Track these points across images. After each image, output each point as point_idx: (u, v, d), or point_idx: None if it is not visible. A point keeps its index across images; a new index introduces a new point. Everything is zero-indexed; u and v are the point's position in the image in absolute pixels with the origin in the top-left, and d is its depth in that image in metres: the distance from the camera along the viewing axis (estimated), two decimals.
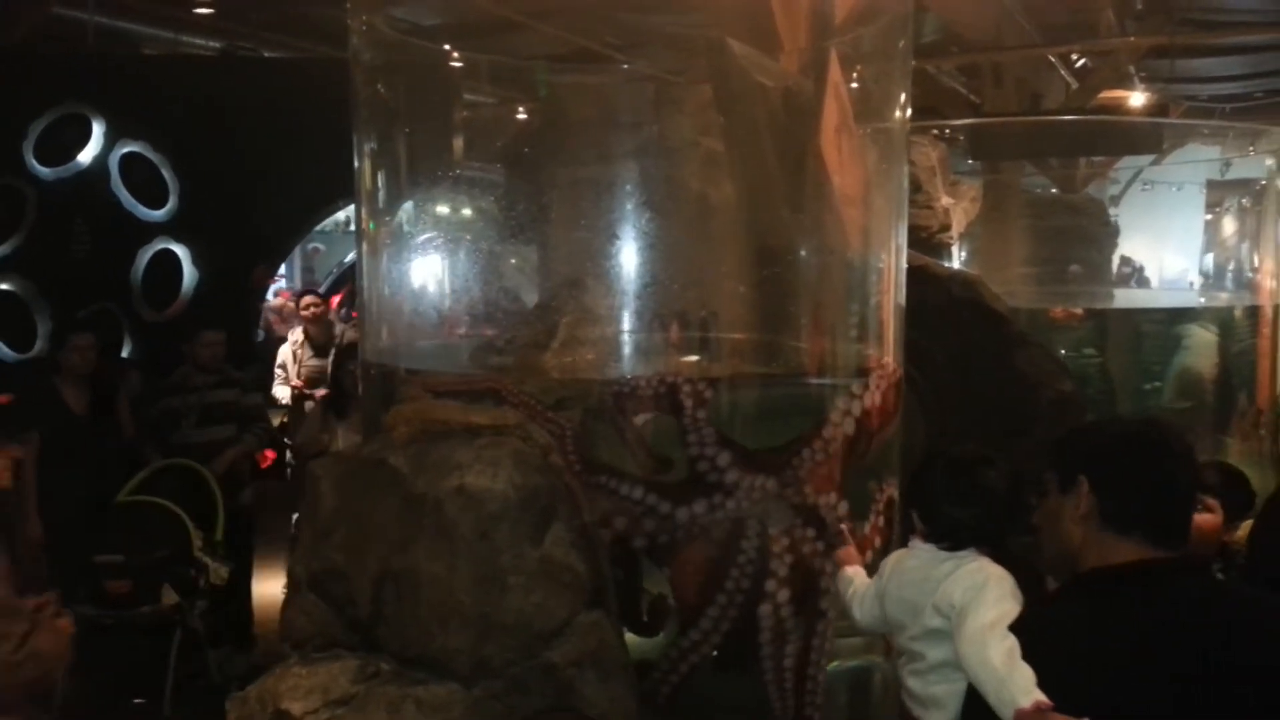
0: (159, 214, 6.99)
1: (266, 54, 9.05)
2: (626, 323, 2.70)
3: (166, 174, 6.98)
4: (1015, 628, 1.78)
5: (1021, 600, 1.91)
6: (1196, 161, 11.27)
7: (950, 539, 2.06)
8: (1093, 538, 1.75)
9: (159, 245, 7.00)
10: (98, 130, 6.85)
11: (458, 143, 3.47)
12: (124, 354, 6.78)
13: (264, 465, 6.65)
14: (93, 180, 6.84)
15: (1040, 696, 1.63)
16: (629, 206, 2.75)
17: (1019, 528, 2.16)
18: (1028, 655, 1.71)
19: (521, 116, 3.96)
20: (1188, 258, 11.54)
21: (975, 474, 2.07)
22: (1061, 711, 1.62)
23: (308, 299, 7.63)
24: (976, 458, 2.11)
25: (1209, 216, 11.98)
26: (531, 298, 3.25)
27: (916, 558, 2.12)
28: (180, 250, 7.05)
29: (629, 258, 2.72)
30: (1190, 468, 1.78)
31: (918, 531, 2.15)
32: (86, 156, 6.84)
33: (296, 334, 7.41)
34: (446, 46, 3.57)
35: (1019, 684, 1.65)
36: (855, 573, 2.41)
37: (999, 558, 2.08)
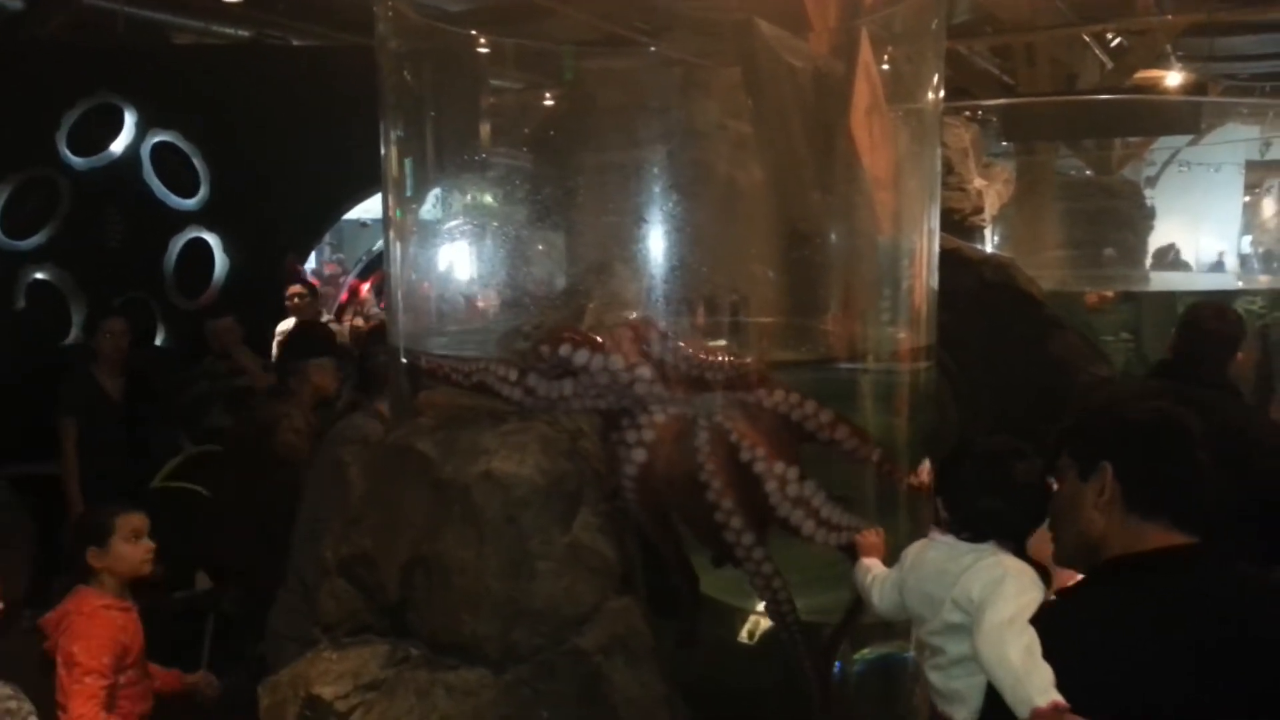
0: (190, 203, 7.05)
1: (295, 42, 9.09)
2: (655, 307, 2.67)
3: (198, 163, 7.04)
4: (1037, 617, 1.76)
5: (1044, 590, 1.88)
6: (1235, 141, 11.08)
7: (973, 530, 2.03)
8: (1116, 524, 1.73)
9: (191, 234, 7.06)
10: (129, 120, 6.91)
11: (484, 128, 3.45)
12: (157, 342, 6.85)
13: None
14: (125, 170, 6.91)
15: (1057, 697, 1.60)
16: (656, 190, 2.73)
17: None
18: (1052, 645, 1.68)
19: (548, 101, 3.93)
20: (1225, 240, 11.37)
21: (1006, 466, 2.03)
22: (1091, 701, 1.59)
23: (294, 288, 7.21)
24: (1008, 449, 2.07)
25: (1248, 198, 11.78)
26: (559, 283, 3.24)
27: (936, 550, 2.09)
28: (212, 239, 7.11)
29: (656, 242, 2.70)
30: (1213, 450, 1.74)
31: (940, 522, 2.12)
32: (119, 146, 6.91)
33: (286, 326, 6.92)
34: (473, 31, 3.55)
35: (1036, 683, 1.63)
36: (872, 564, 2.38)
37: (1019, 550, 2.04)
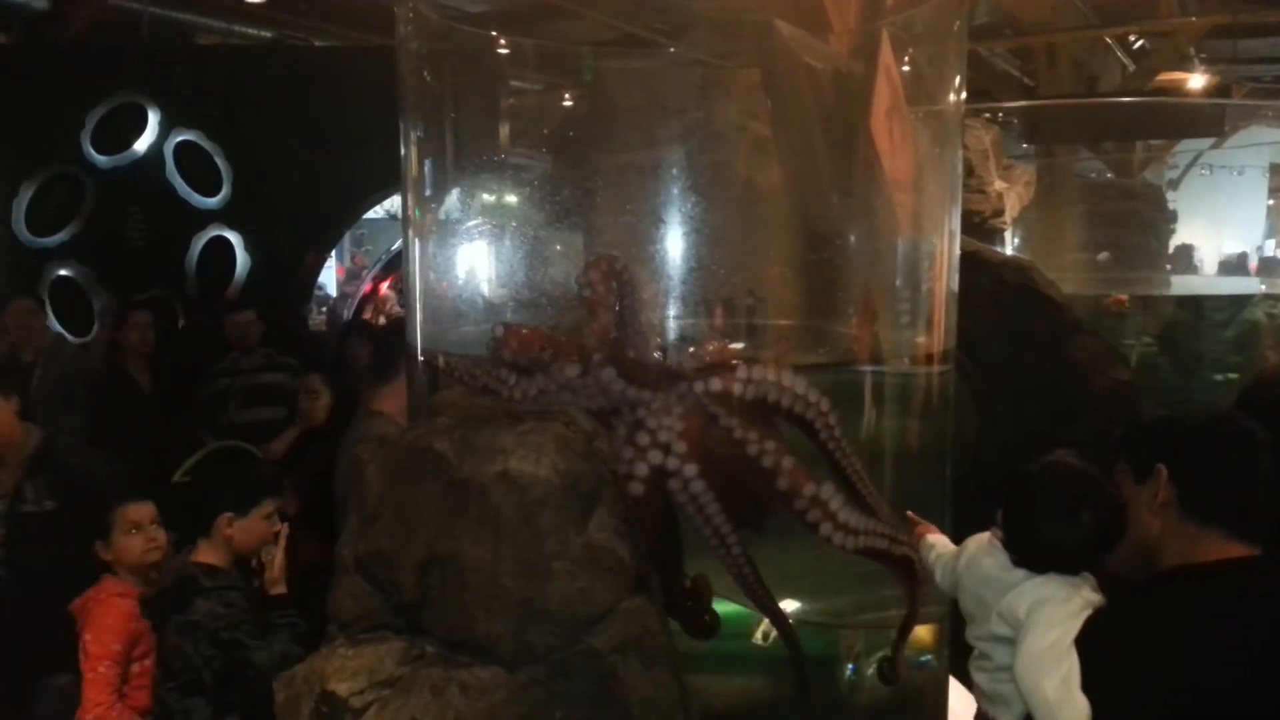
0: (213, 201, 7.11)
1: (317, 43, 9.15)
2: (672, 308, 2.67)
3: (220, 162, 7.09)
4: (1089, 625, 1.73)
5: (1094, 601, 1.85)
6: (1259, 144, 10.98)
7: (1024, 556, 1.95)
8: (1172, 530, 1.70)
9: (213, 232, 7.12)
10: (153, 119, 6.97)
11: (503, 129, 3.46)
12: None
13: None
14: (148, 168, 6.97)
15: None
16: (675, 191, 2.73)
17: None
18: (1103, 655, 1.65)
19: (568, 102, 3.94)
20: (1249, 244, 11.27)
21: (1080, 506, 1.89)
22: (1141, 713, 1.58)
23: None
24: (1085, 493, 1.91)
25: (1271, 201, 11.67)
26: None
27: (993, 556, 2.05)
28: (233, 237, 7.16)
29: (674, 243, 2.70)
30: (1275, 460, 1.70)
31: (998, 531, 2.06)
32: (142, 145, 6.97)
33: None
34: (492, 32, 3.56)
35: (1068, 717, 1.63)
36: (936, 539, 2.34)
37: None
